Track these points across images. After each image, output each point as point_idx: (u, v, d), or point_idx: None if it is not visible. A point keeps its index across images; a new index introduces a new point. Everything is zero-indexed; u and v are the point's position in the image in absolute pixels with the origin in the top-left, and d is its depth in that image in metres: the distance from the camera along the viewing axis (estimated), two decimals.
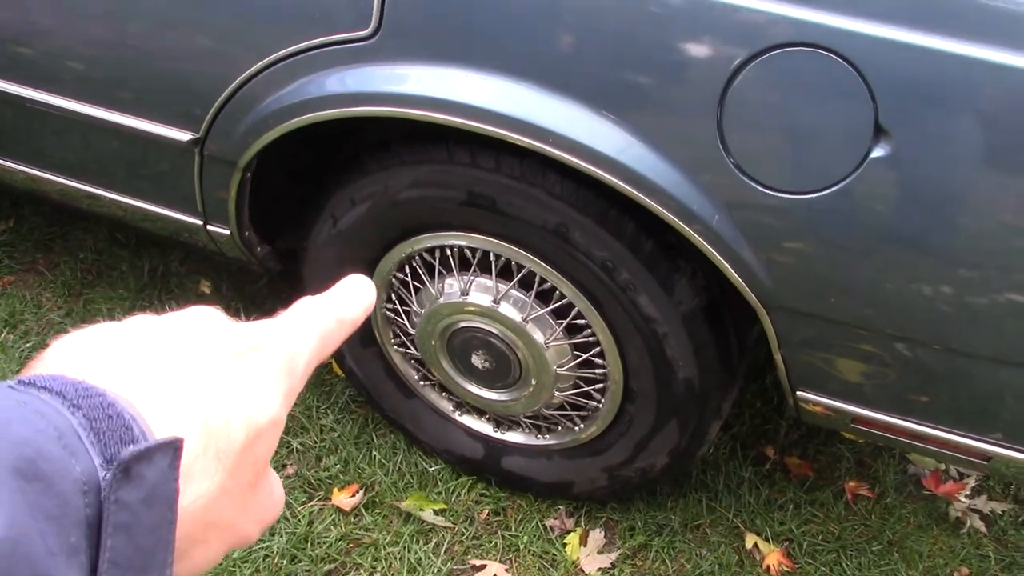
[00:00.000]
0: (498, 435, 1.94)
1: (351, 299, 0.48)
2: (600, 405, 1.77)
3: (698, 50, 1.30)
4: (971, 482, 2.03)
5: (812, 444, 2.10)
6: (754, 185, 1.35)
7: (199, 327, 0.43)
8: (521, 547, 1.90)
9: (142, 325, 0.42)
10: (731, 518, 1.95)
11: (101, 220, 2.31)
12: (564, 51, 1.36)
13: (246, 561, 1.83)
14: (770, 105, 1.30)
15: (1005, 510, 1.98)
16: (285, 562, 1.83)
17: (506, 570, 1.86)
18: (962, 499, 1.99)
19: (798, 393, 1.59)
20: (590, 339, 1.68)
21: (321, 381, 2.20)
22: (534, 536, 1.92)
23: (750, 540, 1.91)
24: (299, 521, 1.90)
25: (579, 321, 1.67)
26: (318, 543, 1.87)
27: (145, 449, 0.35)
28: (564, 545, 1.90)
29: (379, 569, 1.84)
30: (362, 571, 1.84)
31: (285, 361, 0.44)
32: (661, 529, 1.93)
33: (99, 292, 2.42)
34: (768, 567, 1.87)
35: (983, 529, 1.95)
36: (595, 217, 1.52)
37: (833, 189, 1.31)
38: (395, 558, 1.85)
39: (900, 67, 1.23)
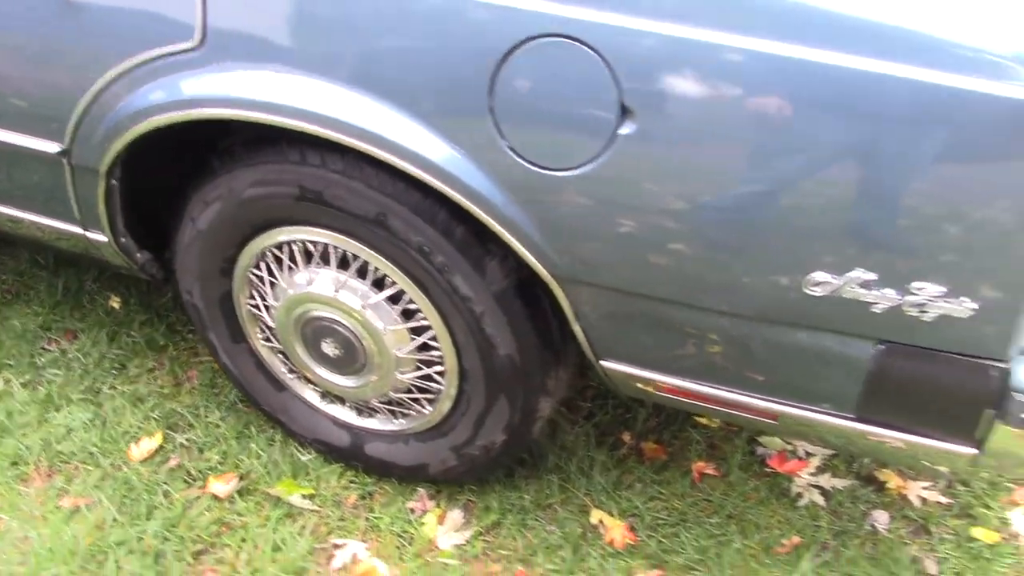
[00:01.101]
0: (360, 423, 2.07)
1: None
2: (442, 387, 1.90)
3: (468, 42, 1.46)
4: (816, 461, 2.14)
5: (669, 430, 2.22)
6: (527, 165, 1.50)
7: None
8: (382, 527, 2.02)
9: None
10: (581, 496, 2.07)
11: (22, 243, 2.48)
12: (360, 51, 1.52)
13: (121, 544, 1.96)
14: (532, 91, 1.45)
15: (844, 486, 2.09)
16: (156, 543, 1.96)
17: (366, 548, 1.98)
18: (805, 476, 2.11)
19: (602, 363, 1.73)
20: (423, 323, 1.82)
21: (212, 383, 2.34)
22: (396, 517, 2.04)
23: (596, 516, 2.02)
24: (174, 506, 2.03)
25: (411, 306, 1.81)
26: (191, 526, 2.00)
27: None
28: (422, 524, 2.02)
29: (245, 549, 1.97)
30: (229, 551, 1.96)
31: None
32: (515, 508, 2.05)
33: (15, 309, 2.58)
34: (611, 540, 1.98)
35: (821, 502, 2.06)
36: (409, 205, 1.67)
37: (592, 165, 1.46)
38: (261, 539, 1.98)
39: (639, 53, 1.39)
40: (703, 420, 2.23)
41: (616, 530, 2.00)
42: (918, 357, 1.48)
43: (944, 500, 2.06)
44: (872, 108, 1.30)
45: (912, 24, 1.29)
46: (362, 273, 1.82)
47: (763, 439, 2.19)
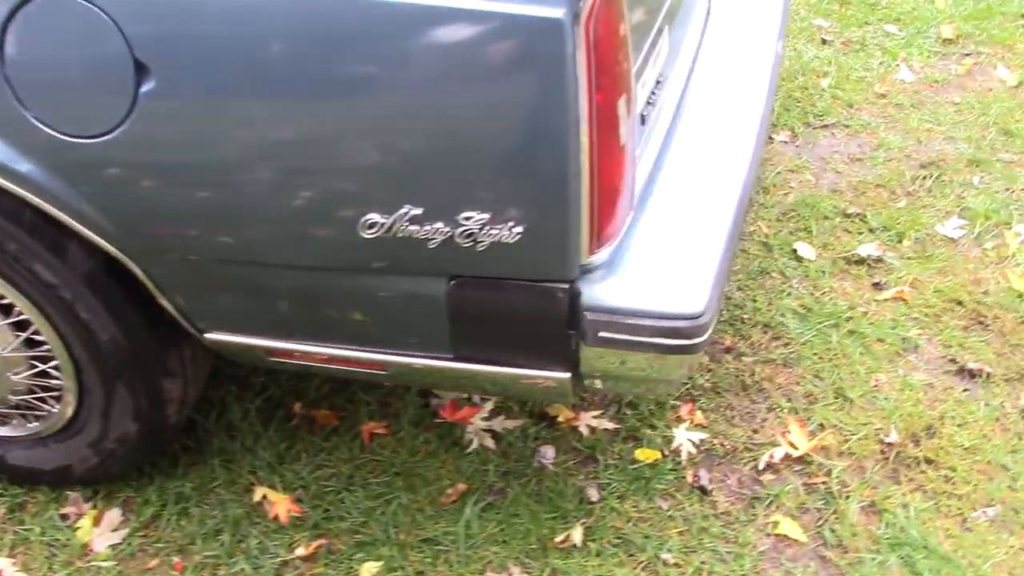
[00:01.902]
0: None
1: None
2: (62, 383, 1.79)
3: None
4: (489, 405, 2.13)
5: (343, 394, 2.17)
6: (58, 135, 1.39)
7: None
8: (32, 539, 1.90)
9: None
10: (245, 475, 1.99)
11: None
12: None
13: None
14: (42, 54, 1.35)
15: (516, 426, 2.08)
16: None
17: (12, 564, 1.86)
18: (478, 422, 2.09)
19: (207, 336, 1.65)
20: (23, 318, 1.70)
21: None
22: (47, 526, 1.92)
23: (259, 493, 1.95)
24: None
25: (4, 301, 1.68)
26: None
27: None
28: (77, 529, 1.91)
29: None
30: None
31: None
32: (175, 497, 1.96)
33: None
34: (276, 515, 1.92)
35: (492, 446, 2.05)
36: None
37: (123, 127, 1.37)
38: None
39: (141, 5, 1.30)
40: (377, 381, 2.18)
41: (281, 505, 1.93)
42: (487, 288, 1.46)
43: (612, 426, 2.08)
44: (353, 32, 1.26)
45: None
46: None
47: (438, 391, 2.17)
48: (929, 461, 1.98)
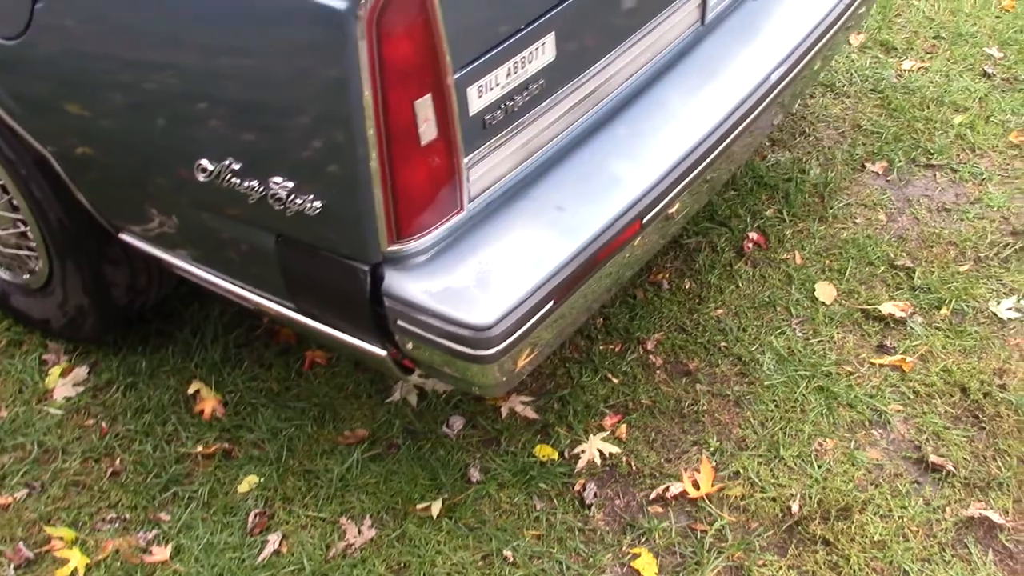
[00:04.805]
0: (3, 275, 2.23)
1: None
2: (34, 245, 2.03)
3: None
4: None
5: None
6: None
7: None
8: (12, 372, 2.19)
9: None
10: (192, 368, 2.18)
11: None
12: None
13: None
14: None
15: (446, 390, 2.13)
16: None
17: None
18: (414, 377, 2.15)
19: (121, 236, 1.82)
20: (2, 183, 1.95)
21: None
22: (28, 366, 2.21)
23: (194, 387, 2.14)
24: None
25: None
26: None
27: None
28: (47, 375, 2.19)
29: None
30: None
31: None
32: (131, 371, 2.18)
33: None
34: (201, 410, 2.10)
35: (413, 403, 2.11)
36: None
37: (29, 33, 1.54)
38: None
39: None
40: None
41: (208, 402, 2.11)
42: (304, 252, 1.52)
43: (532, 415, 2.08)
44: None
45: None
46: None
47: None
48: (826, 543, 1.84)
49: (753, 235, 2.45)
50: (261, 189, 1.45)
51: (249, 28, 1.33)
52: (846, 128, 2.77)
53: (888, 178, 2.62)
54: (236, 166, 1.46)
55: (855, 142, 2.72)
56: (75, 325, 2.14)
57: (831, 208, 2.52)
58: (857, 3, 2.10)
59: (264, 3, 1.30)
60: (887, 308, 2.25)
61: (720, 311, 2.29)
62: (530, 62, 1.48)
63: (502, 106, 1.47)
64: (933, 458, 1.96)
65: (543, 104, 1.55)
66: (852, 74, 2.95)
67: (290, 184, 1.42)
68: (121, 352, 2.23)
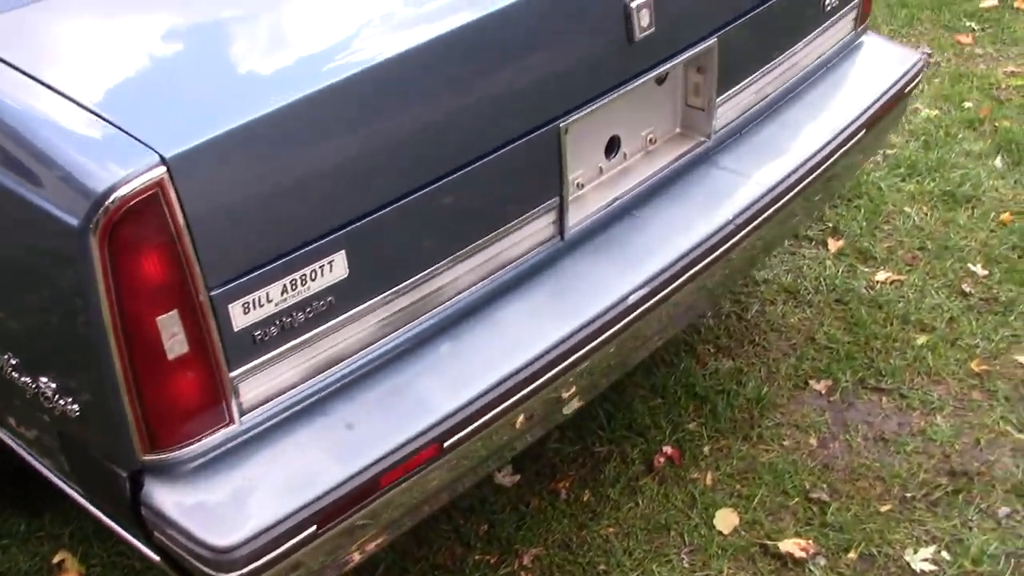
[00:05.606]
0: None
1: None
2: None
3: None
4: None
5: None
6: None
7: None
8: None
9: None
10: (66, 536, 2.17)
11: None
12: None
13: None
14: None
15: None
16: None
17: None
18: None
19: None
20: None
21: None
22: None
23: (60, 555, 2.13)
24: None
25: None
26: None
27: None
28: None
29: None
30: None
31: None
32: (9, 532, 2.19)
33: None
34: None
35: None
36: None
37: None
38: None
39: None
40: None
41: (70, 574, 2.09)
42: (79, 451, 1.51)
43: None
44: None
45: None
46: None
47: None
48: None
49: (668, 449, 2.33)
50: (34, 386, 1.46)
51: (3, 234, 1.36)
52: (798, 340, 2.64)
53: (830, 399, 2.47)
54: (14, 361, 1.47)
55: (804, 356, 2.59)
56: None
57: (759, 427, 2.39)
58: (748, 240, 1.99)
59: (10, 210, 1.33)
60: (787, 546, 2.09)
61: (612, 529, 2.16)
62: (313, 279, 1.46)
63: (276, 322, 1.45)
64: None
65: (333, 321, 1.51)
66: (820, 281, 2.83)
67: (53, 385, 1.43)
68: (5, 512, 2.24)
